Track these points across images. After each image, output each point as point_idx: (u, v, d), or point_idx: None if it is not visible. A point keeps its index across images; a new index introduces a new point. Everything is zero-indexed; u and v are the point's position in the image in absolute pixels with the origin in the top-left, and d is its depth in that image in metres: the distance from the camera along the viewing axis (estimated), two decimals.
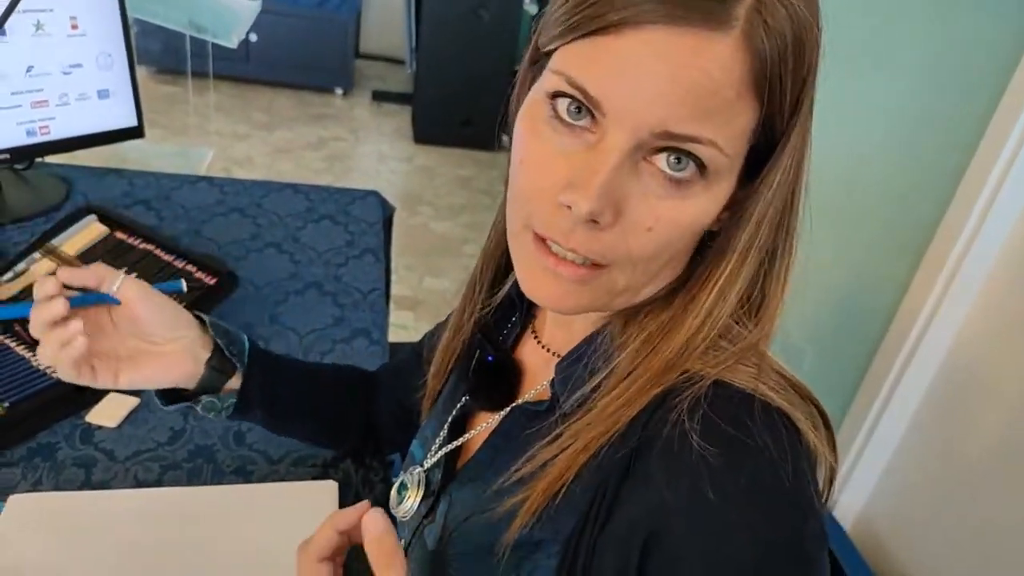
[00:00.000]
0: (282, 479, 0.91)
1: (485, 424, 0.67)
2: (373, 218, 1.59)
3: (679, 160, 0.47)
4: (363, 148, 4.27)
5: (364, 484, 0.94)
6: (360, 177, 3.92)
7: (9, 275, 1.14)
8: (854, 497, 1.88)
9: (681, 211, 0.48)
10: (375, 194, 1.68)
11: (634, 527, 0.49)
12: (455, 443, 0.68)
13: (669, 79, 0.44)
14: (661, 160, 0.47)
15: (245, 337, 0.81)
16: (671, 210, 0.48)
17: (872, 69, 1.73)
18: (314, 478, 0.93)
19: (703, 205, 0.49)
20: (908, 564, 1.74)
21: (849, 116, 1.76)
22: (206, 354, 0.76)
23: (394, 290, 1.58)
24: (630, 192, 0.48)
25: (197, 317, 0.78)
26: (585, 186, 0.47)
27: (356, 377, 0.94)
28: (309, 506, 0.87)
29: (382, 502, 0.91)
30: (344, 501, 0.90)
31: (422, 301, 2.66)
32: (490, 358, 0.68)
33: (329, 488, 0.90)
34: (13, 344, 1.02)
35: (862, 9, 1.72)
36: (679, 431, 0.49)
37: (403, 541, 0.73)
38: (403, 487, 0.70)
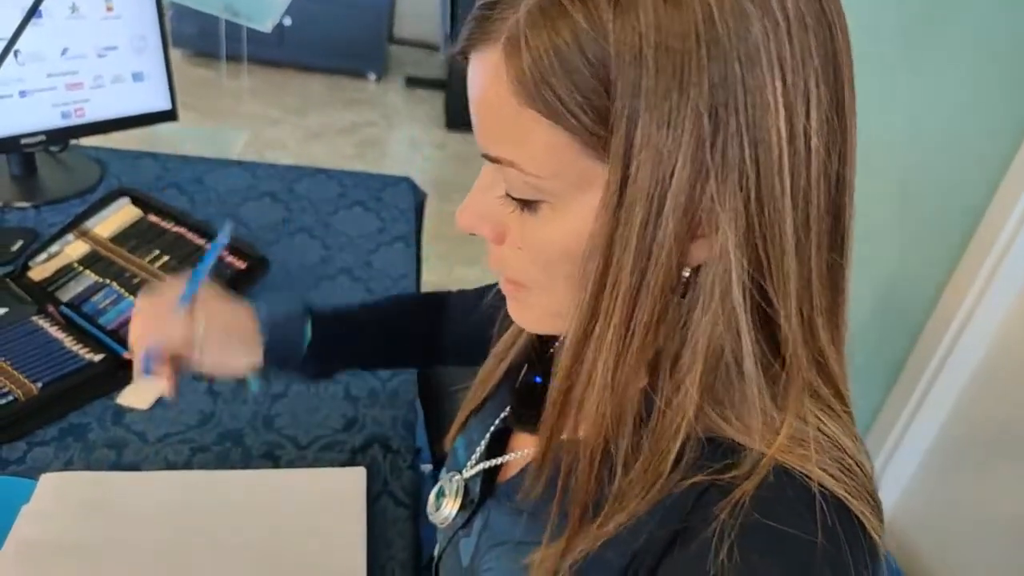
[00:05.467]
0: (310, 465, 0.91)
1: (528, 449, 0.63)
2: (405, 204, 1.58)
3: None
4: (396, 134, 4.27)
5: (392, 470, 0.93)
6: (392, 163, 3.92)
7: (43, 256, 1.15)
8: (887, 493, 1.85)
9: (538, 231, 0.48)
10: (407, 180, 1.68)
11: None
12: (495, 460, 0.66)
13: (474, 102, 0.48)
14: None
15: (306, 322, 0.82)
16: (530, 230, 0.49)
17: (915, 59, 1.69)
18: (342, 464, 0.92)
19: (562, 225, 0.47)
20: (940, 562, 1.71)
21: (893, 106, 1.72)
22: None
23: (424, 277, 1.57)
24: (507, 213, 0.50)
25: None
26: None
27: (420, 316, 0.95)
28: (337, 492, 0.87)
29: (409, 489, 0.91)
30: (372, 487, 0.90)
31: (453, 289, 2.64)
32: (537, 379, 0.65)
33: (357, 474, 0.89)
34: (47, 325, 1.03)
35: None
36: (723, 532, 0.44)
37: (439, 547, 0.72)
38: (441, 493, 0.69)
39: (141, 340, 0.73)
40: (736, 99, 0.41)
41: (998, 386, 1.62)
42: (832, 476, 0.46)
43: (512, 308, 0.56)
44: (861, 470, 0.48)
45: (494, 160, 0.47)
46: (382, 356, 0.93)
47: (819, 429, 0.48)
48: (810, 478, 0.45)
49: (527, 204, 0.48)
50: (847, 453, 0.48)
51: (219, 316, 0.76)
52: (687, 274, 0.46)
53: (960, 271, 1.65)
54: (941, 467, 1.76)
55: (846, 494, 0.46)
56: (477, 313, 0.87)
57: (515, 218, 0.49)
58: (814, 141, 0.43)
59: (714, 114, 0.41)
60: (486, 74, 0.45)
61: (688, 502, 0.47)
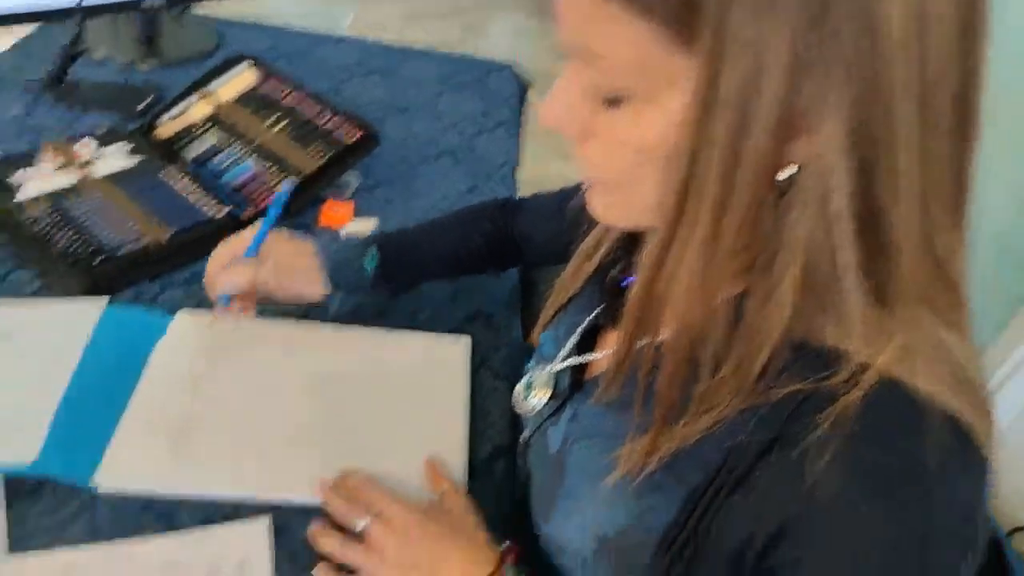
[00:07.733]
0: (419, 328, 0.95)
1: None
2: (508, 92, 1.58)
3: None
4: (498, 24, 4.19)
5: (493, 344, 0.96)
6: (493, 50, 3.85)
7: (168, 115, 1.20)
8: None
9: (621, 129, 0.46)
10: (510, 68, 1.67)
11: (771, 509, 0.46)
12: (584, 358, 0.67)
13: None
14: None
15: (368, 249, 0.89)
16: (614, 128, 0.47)
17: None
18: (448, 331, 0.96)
19: (647, 124, 0.44)
20: None
21: None
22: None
23: (521, 175, 1.57)
24: (590, 111, 0.48)
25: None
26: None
27: (494, 222, 0.97)
28: (442, 358, 0.91)
29: (508, 363, 0.94)
30: (473, 359, 0.93)
31: (546, 186, 2.64)
32: (625, 280, 0.64)
33: (463, 342, 0.93)
34: (173, 181, 1.08)
35: None
36: (825, 443, 0.44)
37: (526, 433, 0.74)
38: (530, 385, 0.71)
39: (216, 285, 0.84)
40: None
41: None
42: (943, 390, 0.44)
43: (595, 205, 0.55)
44: (975, 383, 0.46)
45: (576, 55, 0.46)
46: (455, 267, 0.96)
47: (932, 339, 0.46)
48: (919, 392, 0.44)
49: (610, 101, 0.46)
50: (960, 365, 0.46)
51: (283, 256, 0.86)
52: (785, 175, 0.42)
53: None
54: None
55: (957, 409, 0.44)
56: (556, 214, 0.87)
57: (598, 116, 0.47)
58: (939, 27, 0.38)
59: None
60: None
61: (785, 410, 0.46)
